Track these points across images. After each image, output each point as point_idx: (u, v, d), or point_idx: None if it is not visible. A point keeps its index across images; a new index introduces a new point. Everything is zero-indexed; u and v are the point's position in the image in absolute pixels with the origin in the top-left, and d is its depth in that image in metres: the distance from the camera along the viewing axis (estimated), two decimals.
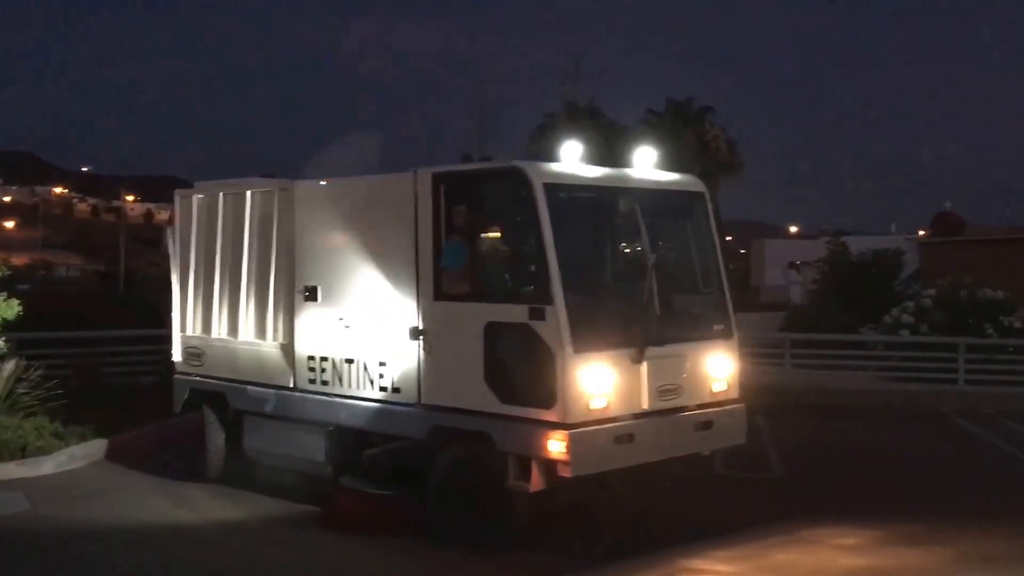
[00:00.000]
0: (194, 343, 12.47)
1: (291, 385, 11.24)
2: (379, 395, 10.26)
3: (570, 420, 8.76)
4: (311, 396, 10.98)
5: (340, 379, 10.67)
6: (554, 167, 9.34)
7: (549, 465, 8.93)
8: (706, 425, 9.91)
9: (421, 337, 9.78)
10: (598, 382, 8.93)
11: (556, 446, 8.77)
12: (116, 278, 53.83)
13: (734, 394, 10.25)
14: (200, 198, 12.42)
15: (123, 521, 10.67)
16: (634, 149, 10.38)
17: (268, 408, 11.46)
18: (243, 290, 11.75)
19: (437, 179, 9.68)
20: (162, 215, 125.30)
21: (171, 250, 12.81)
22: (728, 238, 38.15)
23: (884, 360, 17.36)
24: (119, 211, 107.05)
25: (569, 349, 8.73)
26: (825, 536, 10.01)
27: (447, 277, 9.64)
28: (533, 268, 9.01)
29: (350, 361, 10.57)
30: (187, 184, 13.21)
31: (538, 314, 8.83)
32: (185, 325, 12.59)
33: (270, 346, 11.48)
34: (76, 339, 17.67)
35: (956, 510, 11.11)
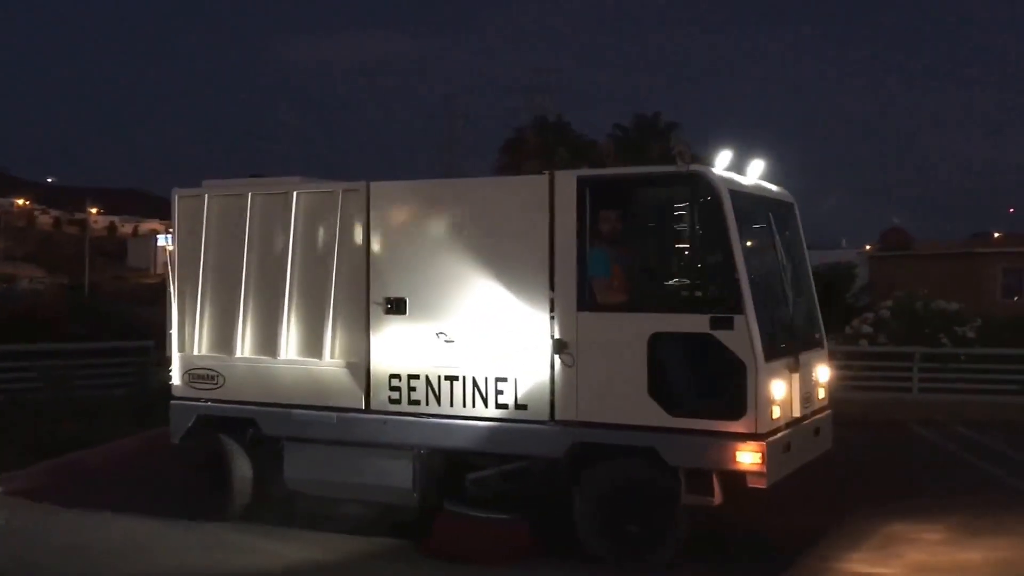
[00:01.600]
0: (204, 364, 11.05)
1: (362, 407, 10.26)
2: (496, 413, 9.60)
3: (762, 430, 8.67)
4: (393, 418, 10.07)
5: (438, 398, 9.87)
6: (726, 174, 9.21)
7: (730, 477, 8.80)
8: (818, 432, 10.14)
9: (560, 350, 9.29)
10: (778, 391, 8.92)
11: (749, 457, 8.63)
12: (81, 290, 52.56)
13: (827, 401, 10.55)
14: (214, 199, 11.05)
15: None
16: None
17: (323, 434, 10.39)
18: (285, 304, 10.58)
19: (583, 183, 9.25)
20: (126, 228, 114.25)
21: (169, 258, 11.30)
22: None
23: (845, 370, 18.32)
24: (82, 223, 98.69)
25: (761, 359, 8.64)
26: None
27: (598, 286, 9.23)
28: (715, 276, 8.86)
29: (452, 378, 9.81)
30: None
31: (724, 324, 8.66)
32: (188, 343, 11.14)
33: (331, 365, 10.39)
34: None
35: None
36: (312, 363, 10.51)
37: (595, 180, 9.32)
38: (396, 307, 10.01)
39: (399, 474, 10.09)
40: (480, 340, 9.68)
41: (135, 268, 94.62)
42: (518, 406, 9.51)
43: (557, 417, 9.34)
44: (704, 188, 8.83)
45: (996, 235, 50.98)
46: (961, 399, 18.47)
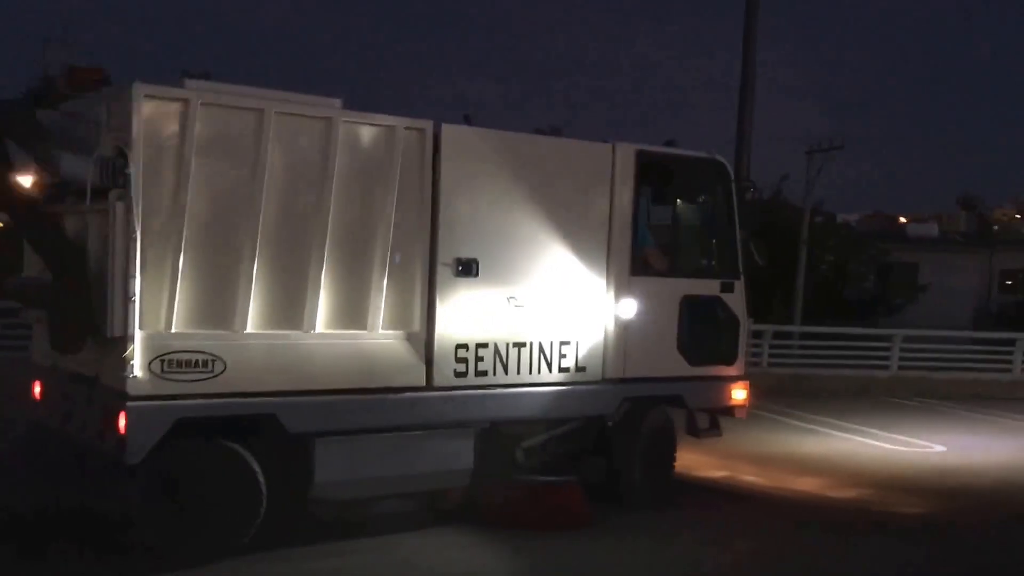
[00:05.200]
0: (188, 344, 7.62)
1: (423, 383, 8.69)
2: (559, 377, 9.48)
3: (743, 372, 10.83)
4: (458, 393, 8.88)
5: (505, 367, 9.14)
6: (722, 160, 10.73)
7: (723, 412, 10.71)
8: None
9: (616, 312, 9.77)
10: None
11: (741, 394, 10.75)
12: None
13: None
14: (208, 110, 7.67)
15: None
16: None
17: (369, 422, 8.46)
18: (325, 261, 8.17)
19: (640, 156, 9.87)
20: None
21: (132, 190, 7.34)
22: None
23: None
24: None
25: (748, 317, 10.80)
26: None
27: (646, 253, 10.00)
28: (723, 248, 10.57)
29: (521, 345, 9.22)
30: None
31: (728, 288, 10.58)
32: (156, 317, 7.53)
33: (382, 337, 8.50)
34: None
35: None
36: (357, 336, 8.41)
37: (648, 155, 9.99)
38: (466, 269, 8.87)
39: (460, 455, 9.01)
40: (547, 304, 9.39)
41: None
42: (578, 368, 9.60)
43: (607, 376, 9.79)
44: (724, 174, 10.53)
45: None
46: None
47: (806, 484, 11.95)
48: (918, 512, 10.93)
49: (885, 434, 15.90)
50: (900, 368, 22.80)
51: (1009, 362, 23.51)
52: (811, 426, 16.53)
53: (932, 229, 46.95)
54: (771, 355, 22.28)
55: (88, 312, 7.51)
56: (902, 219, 51.86)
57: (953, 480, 12.67)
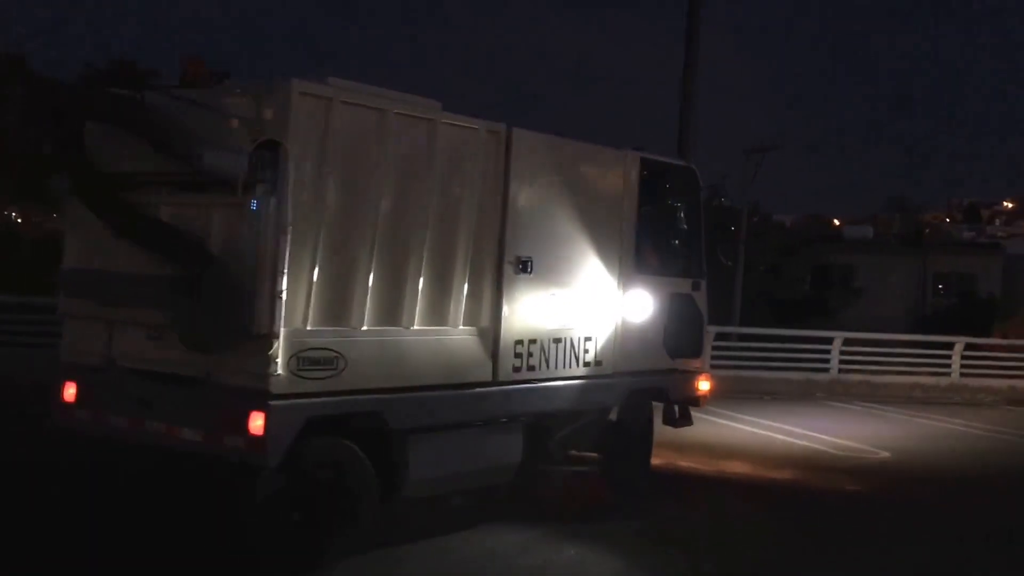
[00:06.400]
0: (319, 342, 7.52)
1: (490, 379, 8.96)
2: (582, 371, 10.01)
3: (704, 366, 11.84)
4: (514, 387, 9.22)
5: (547, 362, 9.56)
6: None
7: (692, 403, 11.62)
8: None
9: (622, 308, 10.42)
10: None
11: (706, 385, 11.72)
12: None
13: None
14: (342, 108, 7.58)
15: None
16: None
17: (452, 417, 8.67)
18: (420, 259, 8.27)
19: (643, 163, 10.57)
20: None
21: (285, 186, 7.13)
22: None
23: None
24: None
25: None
26: None
27: (646, 253, 10.71)
28: (693, 248, 11.46)
29: (558, 340, 9.68)
30: None
31: (697, 286, 11.52)
32: (296, 314, 7.38)
33: (461, 333, 8.69)
34: None
35: None
36: (443, 332, 8.57)
37: (650, 162, 10.68)
38: (524, 267, 9.22)
39: (512, 448, 9.38)
40: (576, 301, 9.90)
41: None
42: (597, 363, 10.18)
43: (618, 370, 10.44)
44: (694, 180, 11.44)
45: None
46: None
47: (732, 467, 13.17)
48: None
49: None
50: (840, 371, 22.82)
51: (948, 365, 23.82)
52: (740, 425, 17.07)
53: (867, 231, 46.90)
54: (713, 356, 21.33)
55: (238, 308, 7.21)
56: (836, 221, 51.91)
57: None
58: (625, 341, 10.46)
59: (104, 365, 8.18)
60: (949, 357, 24.00)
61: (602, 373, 10.26)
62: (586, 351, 10.05)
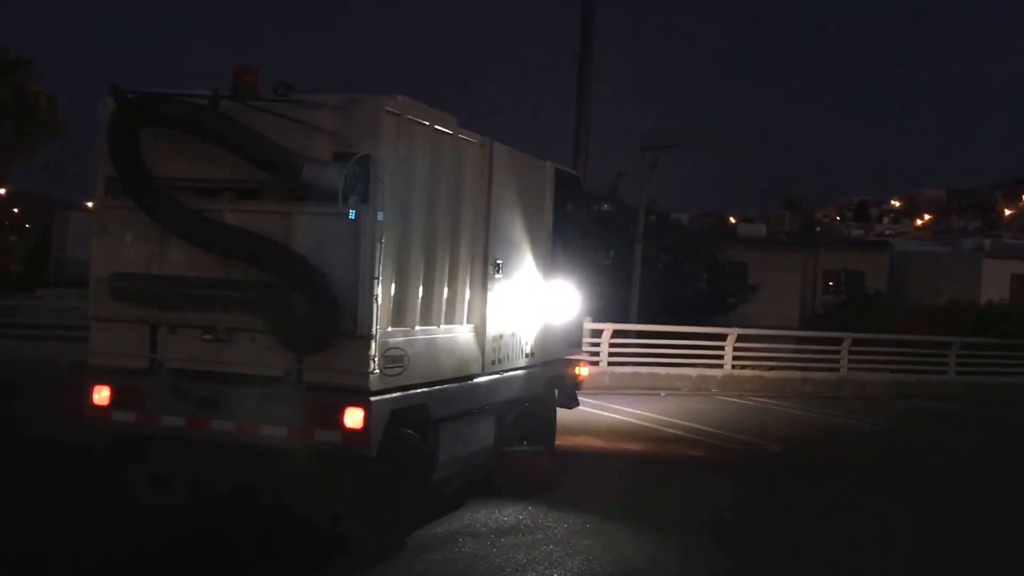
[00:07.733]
0: (395, 342, 8.11)
1: (480, 371, 9.83)
2: (524, 362, 11.04)
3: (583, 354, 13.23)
4: (491, 379, 10.14)
5: (509, 355, 10.54)
6: None
7: (576, 387, 12.94)
8: None
9: (544, 304, 11.58)
10: None
11: (584, 371, 13.09)
12: None
13: None
14: (411, 125, 8.25)
15: None
16: None
17: (462, 408, 9.52)
18: (442, 264, 9.02)
19: (556, 172, 11.75)
20: None
21: (379, 198, 7.66)
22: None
23: None
24: None
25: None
26: None
27: (558, 253, 11.90)
28: (579, 248, 12.78)
29: (513, 335, 10.67)
30: None
31: (580, 283, 12.87)
32: (382, 316, 7.93)
33: (465, 330, 9.50)
34: None
35: None
36: (455, 330, 9.35)
37: (558, 171, 11.81)
38: (497, 268, 10.15)
39: (490, 434, 10.27)
40: (523, 298, 10.92)
41: None
42: (531, 354, 11.25)
43: (542, 360, 11.57)
44: (579, 185, 12.84)
45: None
46: None
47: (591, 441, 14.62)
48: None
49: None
50: (733, 367, 23.22)
51: (837, 361, 24.56)
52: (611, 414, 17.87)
53: (760, 229, 46.40)
54: (610, 354, 22.06)
55: (342, 312, 7.63)
56: (732, 219, 50.64)
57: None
58: (545, 334, 11.61)
59: (149, 367, 8.21)
60: (838, 353, 24.70)
61: (535, 363, 11.36)
62: (526, 344, 11.10)
